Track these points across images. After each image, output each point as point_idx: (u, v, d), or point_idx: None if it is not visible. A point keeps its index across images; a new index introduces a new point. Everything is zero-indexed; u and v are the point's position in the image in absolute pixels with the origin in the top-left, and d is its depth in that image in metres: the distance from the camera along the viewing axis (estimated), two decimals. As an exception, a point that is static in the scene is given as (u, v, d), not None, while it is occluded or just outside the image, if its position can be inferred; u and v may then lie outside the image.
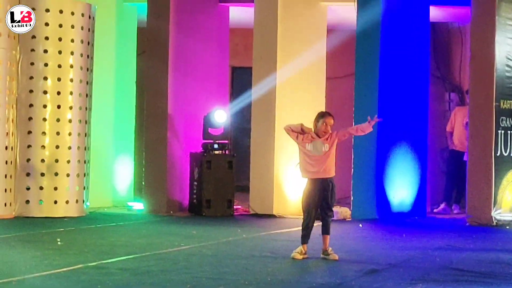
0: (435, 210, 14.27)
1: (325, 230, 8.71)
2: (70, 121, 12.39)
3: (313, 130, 8.80)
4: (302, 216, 8.77)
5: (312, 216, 8.67)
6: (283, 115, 13.22)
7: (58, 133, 12.30)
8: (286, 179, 13.17)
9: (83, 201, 12.55)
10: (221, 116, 13.26)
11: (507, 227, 12.20)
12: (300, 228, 8.78)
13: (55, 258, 8.26)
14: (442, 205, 14.32)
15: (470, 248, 9.94)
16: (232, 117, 14.03)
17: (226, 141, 13.46)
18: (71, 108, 12.39)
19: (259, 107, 13.28)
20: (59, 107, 12.32)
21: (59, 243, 9.44)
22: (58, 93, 12.33)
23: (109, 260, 8.21)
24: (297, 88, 13.44)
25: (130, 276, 7.40)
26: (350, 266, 8.30)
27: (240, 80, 16.55)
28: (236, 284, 7.19)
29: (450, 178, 14.45)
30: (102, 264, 7.96)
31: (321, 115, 8.83)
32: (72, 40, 12.43)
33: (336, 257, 8.61)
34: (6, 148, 12.02)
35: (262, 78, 13.24)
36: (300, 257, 8.58)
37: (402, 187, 13.19)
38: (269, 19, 13.26)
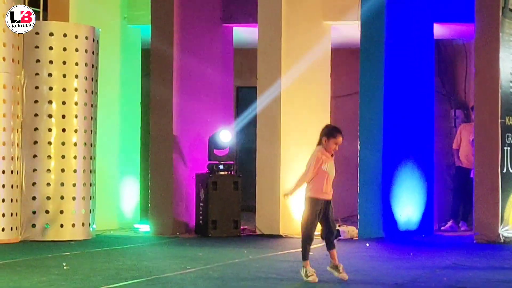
0: (442, 228, 14.21)
1: (332, 245, 8.64)
2: (75, 144, 12.40)
3: (322, 143, 8.64)
4: (303, 235, 8.67)
5: (313, 234, 8.66)
6: (288, 134, 13.23)
7: (63, 157, 12.32)
8: (293, 199, 13.11)
9: (89, 224, 12.55)
10: (226, 136, 13.27)
11: (515, 244, 12.14)
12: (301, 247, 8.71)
13: (61, 284, 8.23)
14: (450, 223, 14.27)
15: (478, 266, 9.88)
16: (237, 137, 14.02)
17: (232, 162, 13.46)
18: (76, 131, 12.41)
19: (264, 127, 13.28)
20: (64, 130, 12.35)
21: (65, 267, 9.42)
22: (63, 116, 12.36)
23: (115, 285, 8.18)
24: (302, 107, 13.44)
25: (136, 301, 7.38)
26: (356, 286, 8.25)
27: (245, 100, 16.55)
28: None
29: (457, 195, 14.41)
30: (108, 289, 7.95)
31: (334, 135, 8.57)
32: (77, 64, 12.46)
33: (346, 277, 8.53)
34: (12, 172, 12.04)
35: (267, 98, 13.25)
36: (316, 278, 8.51)
37: (408, 205, 13.15)
38: (272, 39, 13.28)
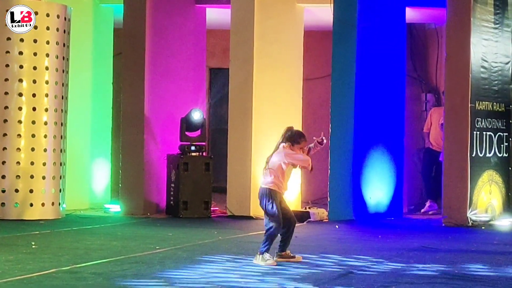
0: (422, 211, 14.23)
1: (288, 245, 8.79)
2: (45, 123, 12.34)
3: (286, 141, 8.67)
4: (277, 227, 8.69)
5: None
6: (260, 116, 13.24)
7: (33, 135, 12.26)
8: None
9: (59, 204, 12.51)
10: (198, 116, 13.26)
11: (483, 227, 12.27)
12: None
13: (29, 263, 8.22)
14: (428, 203, 14.29)
15: (445, 249, 9.98)
16: (210, 118, 14.01)
17: (204, 143, 13.46)
18: (46, 110, 12.35)
19: (236, 109, 13.29)
20: (34, 109, 12.28)
21: (33, 246, 9.41)
22: (34, 95, 12.29)
23: (83, 264, 8.18)
24: (274, 89, 13.45)
25: (103, 281, 7.38)
26: (324, 268, 8.31)
27: (218, 82, 16.54)
28: (211, 287, 7.21)
29: (424, 175, 14.47)
30: (76, 269, 7.94)
31: (298, 141, 8.61)
32: (48, 42, 12.38)
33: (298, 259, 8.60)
34: (-19, 150, 11.97)
35: (239, 79, 13.25)
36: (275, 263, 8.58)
37: (378, 188, 13.23)
38: (245, 21, 13.26)
